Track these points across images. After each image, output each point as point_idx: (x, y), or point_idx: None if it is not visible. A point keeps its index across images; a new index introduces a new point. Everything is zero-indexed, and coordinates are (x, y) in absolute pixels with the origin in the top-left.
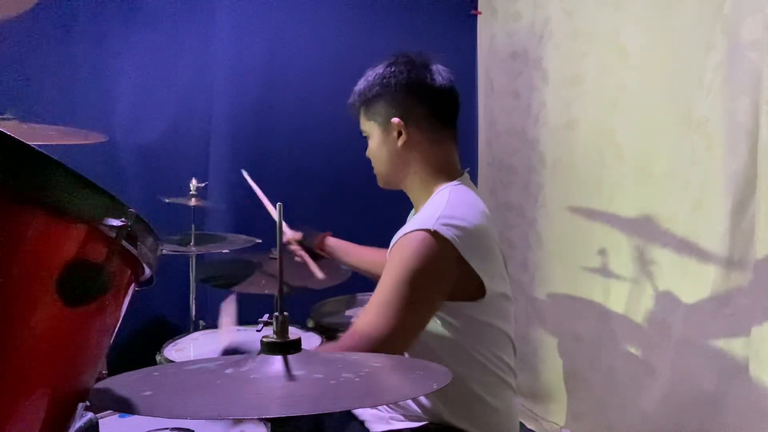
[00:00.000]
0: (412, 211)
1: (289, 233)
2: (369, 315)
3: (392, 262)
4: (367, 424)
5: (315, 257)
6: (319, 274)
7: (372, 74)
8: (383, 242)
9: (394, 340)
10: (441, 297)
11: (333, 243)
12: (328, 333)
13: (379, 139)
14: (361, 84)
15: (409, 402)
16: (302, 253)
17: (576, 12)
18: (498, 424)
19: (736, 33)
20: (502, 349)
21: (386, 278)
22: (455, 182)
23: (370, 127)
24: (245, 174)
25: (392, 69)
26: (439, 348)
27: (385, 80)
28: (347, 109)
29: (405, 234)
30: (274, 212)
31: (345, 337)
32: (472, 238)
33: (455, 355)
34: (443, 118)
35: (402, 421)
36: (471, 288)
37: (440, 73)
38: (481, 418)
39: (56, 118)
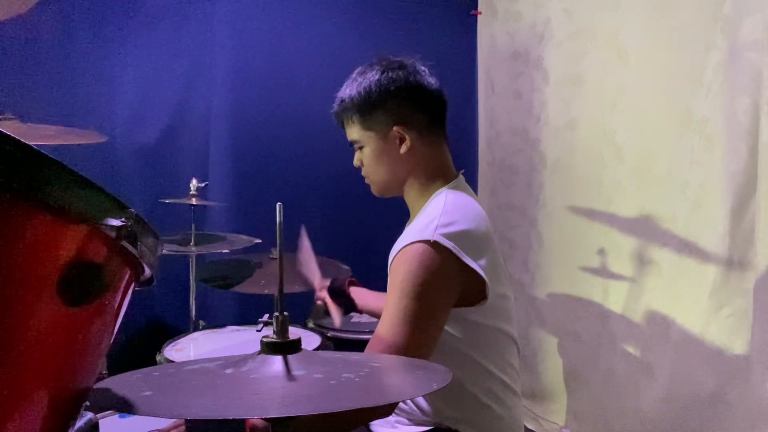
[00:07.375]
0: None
1: (319, 283)
2: (385, 330)
3: (398, 276)
4: (373, 428)
5: (339, 298)
6: (338, 322)
7: (362, 81)
8: (383, 241)
9: (414, 351)
10: (450, 303)
11: (353, 291)
12: (328, 333)
13: (378, 148)
14: (350, 92)
15: (414, 406)
16: (328, 300)
17: (576, 12)
18: (503, 430)
19: (736, 33)
20: (506, 351)
21: (395, 293)
22: (451, 185)
23: (365, 137)
24: (303, 230)
25: (389, 75)
26: (442, 354)
27: (383, 88)
28: (333, 117)
29: (405, 246)
30: (317, 274)
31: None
32: (470, 242)
33: (458, 361)
34: (437, 121)
35: (407, 425)
36: (473, 293)
37: (430, 75)
38: (486, 424)
39: (56, 118)
